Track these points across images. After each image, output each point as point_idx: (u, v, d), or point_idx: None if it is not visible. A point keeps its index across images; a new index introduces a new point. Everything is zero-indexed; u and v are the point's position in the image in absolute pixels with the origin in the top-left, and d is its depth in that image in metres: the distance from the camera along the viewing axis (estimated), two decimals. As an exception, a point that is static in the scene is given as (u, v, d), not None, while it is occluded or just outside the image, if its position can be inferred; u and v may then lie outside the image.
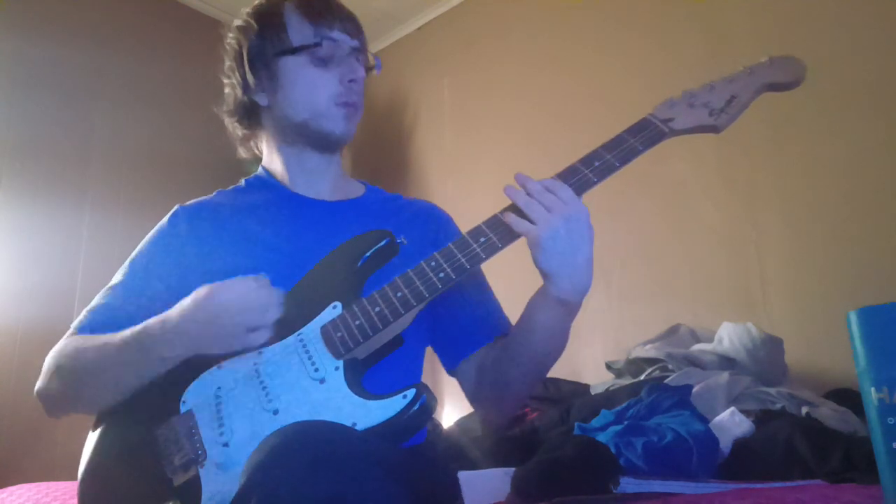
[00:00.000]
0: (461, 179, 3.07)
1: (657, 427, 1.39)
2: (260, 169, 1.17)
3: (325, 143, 1.08)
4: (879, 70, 1.97)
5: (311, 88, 1.04)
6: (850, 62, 2.01)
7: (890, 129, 1.93)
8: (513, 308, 1.01)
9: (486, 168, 2.96)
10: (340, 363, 0.85)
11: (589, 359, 2.35)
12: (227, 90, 1.13)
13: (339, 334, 0.87)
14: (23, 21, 2.74)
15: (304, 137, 1.08)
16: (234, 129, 1.15)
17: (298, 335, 0.89)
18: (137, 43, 3.06)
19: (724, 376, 1.66)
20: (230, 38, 1.12)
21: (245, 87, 1.08)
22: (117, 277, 1.05)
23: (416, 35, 3.47)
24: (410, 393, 0.80)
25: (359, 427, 0.79)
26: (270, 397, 0.85)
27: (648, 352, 1.92)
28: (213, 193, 1.14)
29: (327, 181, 1.13)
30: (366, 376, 0.88)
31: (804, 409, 1.53)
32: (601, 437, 1.40)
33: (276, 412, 0.83)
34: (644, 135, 0.89)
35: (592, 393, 1.88)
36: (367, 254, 0.93)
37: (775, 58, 0.94)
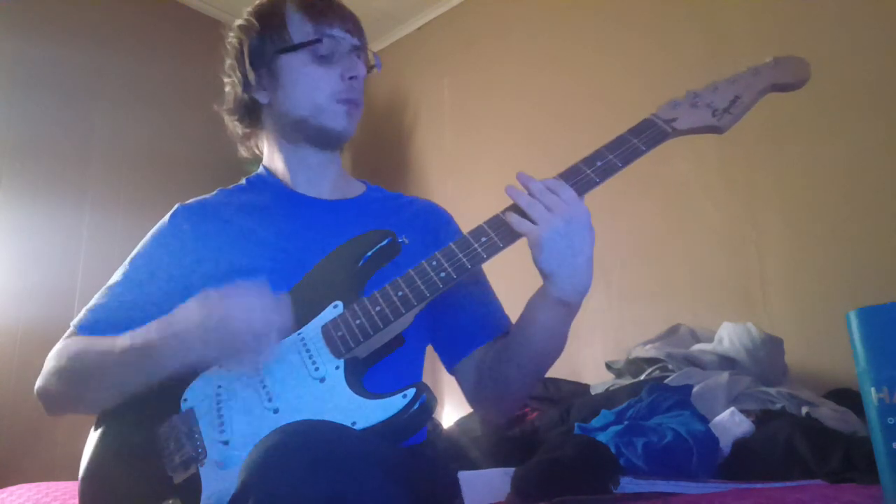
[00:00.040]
0: (461, 179, 3.07)
1: (657, 427, 1.39)
2: (261, 168, 1.17)
3: (325, 140, 1.08)
4: (879, 70, 1.97)
5: (311, 85, 1.05)
6: (850, 62, 2.01)
7: (890, 129, 1.93)
8: (513, 308, 1.01)
9: (486, 168, 2.96)
10: (341, 362, 0.85)
11: (589, 359, 2.35)
12: (227, 89, 1.13)
13: (339, 333, 0.87)
14: (23, 21, 2.74)
15: (305, 134, 1.08)
16: (235, 127, 1.15)
17: (299, 334, 0.89)
18: (137, 43, 3.06)
19: (724, 376, 1.66)
20: (231, 38, 1.12)
21: (246, 85, 1.08)
22: (117, 276, 1.05)
23: (416, 35, 3.47)
24: (410, 392, 0.80)
25: (358, 426, 0.79)
26: (271, 396, 0.85)
27: (648, 352, 1.92)
28: (214, 192, 1.14)
29: (328, 179, 1.13)
30: (366, 376, 0.88)
31: (804, 409, 1.53)
32: (601, 437, 1.40)
33: (276, 411, 0.83)
34: (647, 135, 0.89)
35: (592, 393, 1.88)
36: (369, 253, 0.93)
37: (780, 58, 0.94)
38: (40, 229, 2.63)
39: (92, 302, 1.03)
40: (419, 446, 1.00)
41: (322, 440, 0.67)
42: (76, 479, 0.94)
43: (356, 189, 1.17)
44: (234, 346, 0.83)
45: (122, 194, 2.86)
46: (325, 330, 0.88)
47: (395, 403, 0.79)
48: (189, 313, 0.86)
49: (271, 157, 1.15)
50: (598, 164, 0.88)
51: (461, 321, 1.06)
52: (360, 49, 1.10)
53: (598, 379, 2.07)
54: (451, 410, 2.52)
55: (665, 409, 1.46)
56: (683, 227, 2.31)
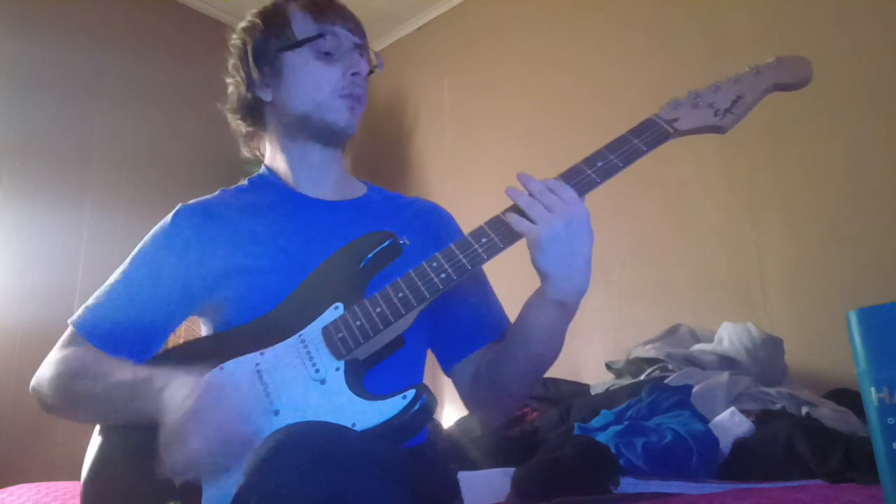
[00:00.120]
0: (461, 179, 3.07)
1: (657, 427, 1.39)
2: (263, 168, 1.17)
3: (328, 136, 1.08)
4: (879, 70, 1.97)
5: (314, 81, 1.05)
6: (850, 62, 2.01)
7: (890, 129, 1.93)
8: (513, 309, 1.01)
9: (486, 168, 2.96)
10: (341, 364, 0.85)
11: (589, 359, 2.35)
12: (230, 89, 1.13)
13: (340, 335, 0.87)
14: (23, 21, 2.74)
15: (308, 131, 1.08)
16: (239, 126, 1.15)
17: (300, 336, 0.89)
18: (137, 43, 3.06)
19: (724, 376, 1.66)
20: (234, 39, 1.13)
21: (249, 83, 1.09)
22: (117, 275, 1.04)
23: (416, 35, 3.47)
24: (410, 393, 0.80)
25: (359, 427, 0.79)
26: (271, 398, 0.85)
27: (648, 352, 1.92)
28: (216, 192, 1.14)
29: (330, 179, 1.13)
30: (367, 377, 0.88)
31: (804, 409, 1.53)
32: (601, 438, 1.40)
33: (276, 412, 0.83)
34: (648, 135, 0.89)
35: (592, 393, 1.88)
36: (370, 255, 0.93)
37: (782, 58, 0.93)
38: (40, 229, 2.63)
39: (91, 300, 1.03)
40: (420, 447, 1.00)
41: (323, 441, 0.67)
42: (76, 479, 0.94)
43: (358, 190, 1.17)
44: (192, 456, 0.79)
45: (122, 194, 2.86)
46: (326, 331, 0.88)
47: (395, 405, 0.79)
48: (179, 392, 0.82)
49: (273, 157, 1.15)
50: (599, 164, 0.88)
51: (460, 323, 1.06)
52: (362, 48, 1.10)
53: (598, 379, 2.07)
54: (451, 411, 2.53)
55: (665, 410, 1.46)
56: (683, 227, 2.31)
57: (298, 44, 1.06)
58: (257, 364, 0.89)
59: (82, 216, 2.75)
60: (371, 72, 1.12)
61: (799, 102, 1.99)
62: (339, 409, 0.81)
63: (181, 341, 1.05)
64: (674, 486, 1.18)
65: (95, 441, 0.95)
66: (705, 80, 0.95)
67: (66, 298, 2.57)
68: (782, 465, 1.29)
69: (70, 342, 1.01)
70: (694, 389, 1.57)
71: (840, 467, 1.24)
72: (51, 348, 1.02)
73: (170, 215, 1.09)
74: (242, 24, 1.13)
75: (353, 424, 0.79)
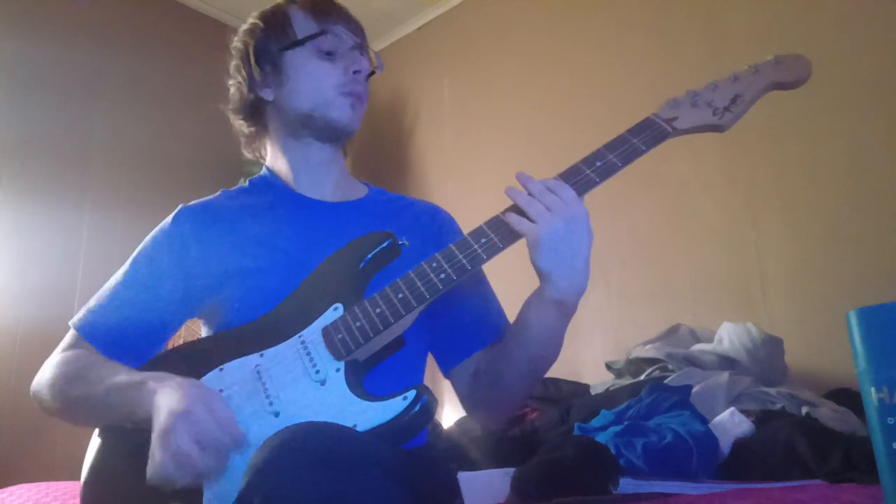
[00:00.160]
0: (461, 179, 3.07)
1: (657, 427, 1.39)
2: (264, 170, 1.17)
3: (330, 133, 1.08)
4: (879, 70, 1.97)
5: (316, 79, 1.06)
6: (850, 62, 2.01)
7: (890, 129, 1.93)
8: (513, 309, 1.01)
9: (486, 168, 2.96)
10: (341, 365, 0.85)
11: (589, 359, 2.35)
12: (232, 90, 1.14)
13: (339, 336, 0.87)
14: (23, 21, 2.74)
15: (310, 129, 1.08)
16: (240, 127, 1.16)
17: (300, 337, 0.89)
18: (137, 43, 3.07)
19: (724, 376, 1.66)
20: (236, 41, 1.13)
21: (251, 83, 1.09)
22: (118, 276, 1.04)
23: (416, 35, 3.47)
24: (411, 394, 0.80)
25: (359, 428, 0.78)
26: (271, 399, 0.84)
27: (648, 352, 1.92)
28: (217, 193, 1.14)
29: (331, 180, 1.13)
30: (367, 378, 0.88)
31: (804, 409, 1.53)
32: (601, 438, 1.40)
33: (277, 414, 0.83)
34: (647, 134, 0.89)
35: (592, 393, 1.88)
36: (369, 255, 0.93)
37: (781, 56, 0.93)
38: (40, 229, 2.63)
39: (91, 302, 1.03)
40: (420, 448, 1.00)
41: (326, 441, 0.67)
42: (76, 479, 0.94)
43: (359, 191, 1.17)
44: (190, 460, 0.78)
45: (122, 194, 2.86)
46: (326, 332, 0.88)
47: (395, 406, 0.79)
48: (169, 396, 0.82)
49: (275, 158, 1.15)
50: (598, 164, 0.88)
51: (459, 325, 1.06)
52: (363, 48, 1.11)
53: (597, 379, 2.06)
54: (451, 411, 2.52)
55: (665, 410, 1.46)
56: (683, 227, 2.31)
57: (300, 42, 1.06)
58: (257, 365, 0.89)
59: (82, 216, 2.75)
60: (372, 73, 1.13)
61: (799, 102, 2.00)
62: (339, 410, 0.81)
63: (181, 342, 1.05)
64: (674, 487, 1.18)
65: (95, 441, 0.95)
66: (705, 80, 0.95)
67: (66, 298, 2.57)
68: (782, 465, 1.29)
69: (71, 344, 1.01)
70: (694, 389, 1.57)
71: (840, 467, 1.24)
72: (51, 348, 1.02)
73: (170, 216, 1.09)
74: (244, 27, 1.13)
75: (354, 425, 0.79)
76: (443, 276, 0.86)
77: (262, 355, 0.89)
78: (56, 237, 2.66)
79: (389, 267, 0.95)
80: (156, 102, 3.06)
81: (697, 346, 1.91)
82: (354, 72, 1.07)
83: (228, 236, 1.05)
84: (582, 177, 0.87)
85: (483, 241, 0.87)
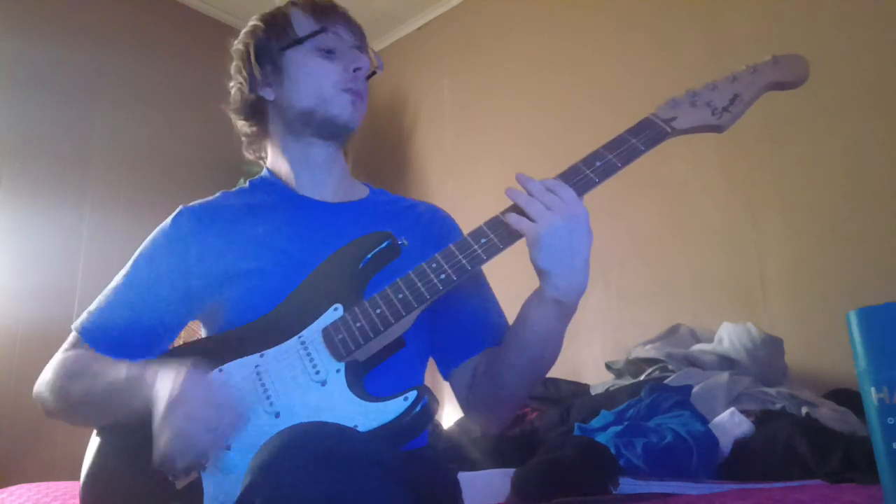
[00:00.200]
0: (461, 179, 3.07)
1: (657, 427, 1.39)
2: (265, 170, 1.17)
3: (331, 131, 1.09)
4: (879, 70, 1.97)
5: (316, 76, 1.06)
6: (850, 62, 2.01)
7: (890, 129, 1.93)
8: (513, 310, 1.01)
9: (486, 168, 2.96)
10: (342, 365, 0.85)
11: (589, 359, 2.35)
12: (233, 91, 1.14)
13: (340, 336, 0.87)
14: (23, 21, 2.74)
15: (311, 127, 1.08)
16: (242, 128, 1.16)
17: (300, 337, 0.89)
18: (137, 43, 3.06)
19: (724, 376, 1.66)
20: (237, 43, 1.14)
21: (252, 83, 1.10)
22: (119, 278, 1.05)
23: (416, 35, 3.47)
24: (412, 395, 0.79)
25: (360, 429, 0.78)
26: (272, 400, 0.84)
27: (648, 352, 1.92)
28: (217, 195, 1.14)
29: (332, 180, 1.13)
30: (367, 378, 0.88)
31: (804, 410, 1.53)
32: (601, 438, 1.40)
33: (277, 415, 0.83)
34: (646, 135, 0.89)
35: (592, 393, 1.88)
36: (369, 255, 0.93)
37: (779, 56, 0.93)
38: (40, 229, 2.63)
39: (94, 304, 1.03)
40: (421, 449, 1.00)
41: (327, 442, 0.67)
42: (76, 479, 0.94)
43: (360, 192, 1.17)
44: (186, 438, 0.80)
45: (122, 194, 2.86)
46: (326, 333, 0.88)
47: (396, 406, 0.79)
48: (164, 384, 0.84)
49: (276, 159, 1.15)
50: (598, 164, 0.88)
51: (459, 326, 1.05)
52: (362, 48, 1.12)
53: (597, 379, 2.07)
54: (451, 411, 2.52)
55: (665, 410, 1.46)
56: (683, 227, 2.31)
57: (300, 40, 1.07)
58: (257, 366, 0.89)
59: (82, 216, 2.75)
60: (373, 73, 1.13)
61: (798, 102, 2.00)
62: (340, 410, 0.81)
63: (181, 343, 1.05)
64: (674, 487, 1.18)
65: (95, 441, 0.95)
66: (705, 80, 0.95)
67: (66, 298, 2.57)
68: (782, 465, 1.29)
69: (73, 347, 1.01)
70: (694, 389, 1.57)
71: (840, 467, 1.24)
72: (51, 348, 1.02)
73: (170, 217, 1.09)
74: (245, 29, 1.14)
75: (355, 426, 0.79)
76: (443, 276, 0.86)
77: (262, 356, 0.89)
78: (56, 237, 2.66)
79: (389, 267, 0.95)
80: (156, 102, 3.06)
81: (697, 346, 1.91)
82: (354, 69, 1.07)
83: (228, 237, 1.05)
84: (581, 177, 0.87)
85: (483, 241, 0.87)
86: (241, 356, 0.90)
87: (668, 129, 0.89)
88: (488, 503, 1.27)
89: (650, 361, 1.89)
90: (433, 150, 3.27)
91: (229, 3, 3.20)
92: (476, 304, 1.07)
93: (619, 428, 1.42)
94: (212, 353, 0.93)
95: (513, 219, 0.86)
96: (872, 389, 0.61)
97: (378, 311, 0.87)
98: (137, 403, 0.85)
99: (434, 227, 1.13)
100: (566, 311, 0.89)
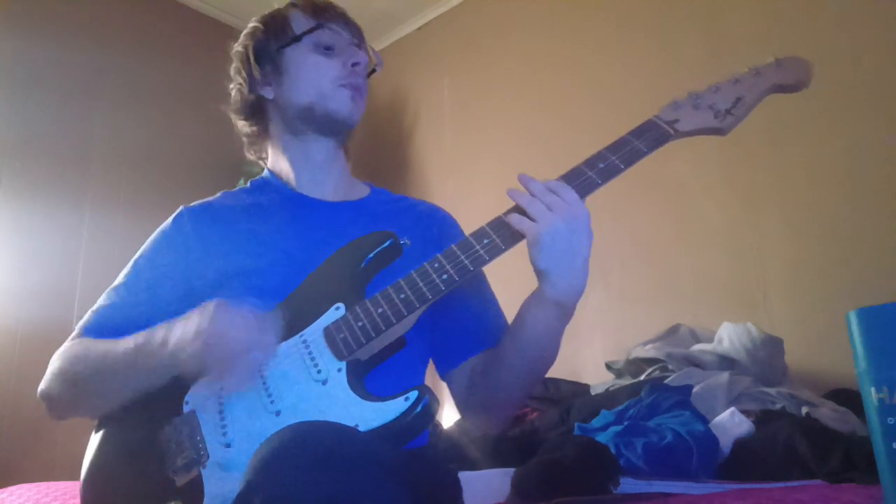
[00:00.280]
0: (461, 179, 3.07)
1: (657, 427, 1.39)
2: (265, 171, 1.17)
3: (330, 126, 1.09)
4: (879, 70, 1.97)
5: (315, 72, 1.07)
6: (850, 62, 2.01)
7: (890, 129, 1.93)
8: (513, 311, 1.00)
9: (486, 168, 2.96)
10: (343, 364, 0.85)
11: (589, 359, 2.35)
12: (233, 91, 1.14)
13: (341, 335, 0.87)
14: (23, 21, 2.74)
15: (310, 124, 1.09)
16: (242, 128, 1.16)
17: (301, 336, 0.89)
18: (137, 43, 3.06)
19: (725, 376, 1.66)
20: (237, 45, 1.15)
21: (251, 83, 1.10)
22: (121, 278, 1.05)
23: (416, 35, 3.47)
24: (413, 395, 0.80)
25: (361, 429, 0.78)
26: (273, 398, 0.85)
27: (648, 352, 1.92)
28: (218, 195, 1.15)
29: (332, 179, 1.13)
30: (368, 378, 0.88)
31: (804, 410, 1.53)
32: (601, 438, 1.40)
33: (278, 413, 0.83)
34: (649, 136, 0.89)
35: (592, 393, 1.88)
36: (371, 255, 0.93)
37: (782, 59, 0.93)
38: (40, 229, 2.63)
39: (96, 304, 1.04)
40: (421, 449, 1.00)
41: (327, 441, 0.67)
42: (76, 479, 0.94)
43: (360, 191, 1.18)
44: (224, 361, 0.83)
45: (122, 194, 2.86)
46: (327, 332, 0.88)
47: (397, 406, 0.79)
48: (187, 325, 0.86)
49: (276, 158, 1.15)
50: (600, 165, 0.88)
51: (459, 326, 1.05)
52: (361, 46, 1.12)
53: (598, 379, 2.07)
54: (452, 411, 2.52)
55: (665, 410, 1.46)
56: (684, 228, 2.31)
57: (298, 38, 1.08)
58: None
59: (82, 216, 2.75)
60: (373, 71, 1.13)
61: (798, 103, 1.99)
62: (340, 409, 0.81)
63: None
64: (674, 487, 1.18)
65: (95, 440, 0.95)
66: (705, 81, 0.95)
67: (66, 298, 2.57)
68: (782, 465, 1.29)
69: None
70: (694, 389, 1.57)
71: (840, 467, 1.24)
72: (51, 348, 1.02)
73: (171, 218, 1.09)
74: (244, 31, 1.15)
75: (356, 426, 0.79)
76: (445, 276, 0.86)
77: (263, 354, 0.89)
78: (56, 237, 2.66)
79: (389, 267, 0.95)
80: (156, 102, 3.06)
81: (697, 346, 1.91)
82: (353, 64, 1.08)
83: (229, 236, 1.05)
84: (584, 178, 0.87)
85: (485, 241, 0.87)
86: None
87: (672, 132, 0.89)
88: (488, 503, 1.27)
89: (650, 361, 1.89)
90: (433, 150, 3.27)
91: (229, 3, 3.20)
92: (476, 304, 1.07)
93: (619, 428, 1.42)
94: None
95: (514, 219, 0.86)
96: (872, 389, 0.61)
97: (380, 310, 0.87)
98: (153, 362, 0.86)
99: (434, 226, 1.13)
100: (565, 312, 0.89)
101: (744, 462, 1.35)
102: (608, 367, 2.04)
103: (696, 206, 2.29)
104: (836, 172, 2.01)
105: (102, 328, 1.00)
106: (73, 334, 1.02)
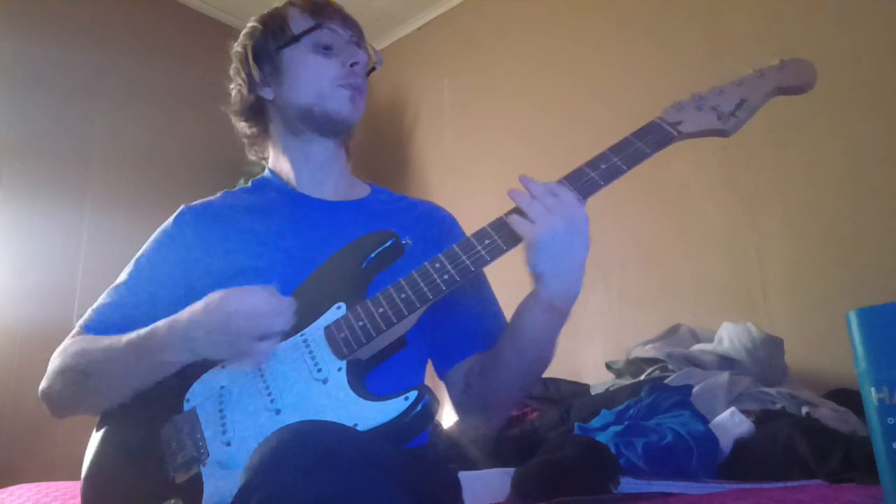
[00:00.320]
0: (461, 179, 3.07)
1: (657, 427, 1.39)
2: (266, 171, 1.17)
3: (330, 127, 1.09)
4: (879, 70, 1.97)
5: (314, 73, 1.07)
6: (850, 62, 2.01)
7: (890, 129, 1.93)
8: (513, 312, 1.00)
9: (486, 168, 2.96)
10: (343, 364, 0.85)
11: (589, 359, 2.35)
12: (233, 92, 1.14)
13: (342, 335, 0.87)
14: (23, 21, 2.74)
15: (310, 124, 1.09)
16: (242, 129, 1.16)
17: (302, 335, 0.89)
18: (137, 43, 3.06)
19: (725, 376, 1.66)
20: (236, 45, 1.15)
21: (251, 84, 1.10)
22: (122, 277, 1.05)
23: (416, 35, 3.47)
24: (412, 395, 0.80)
25: (360, 428, 0.79)
26: (273, 397, 0.85)
27: (648, 352, 1.93)
28: (219, 194, 1.15)
29: (332, 179, 1.13)
30: (369, 377, 0.88)
31: (804, 409, 1.53)
32: (601, 438, 1.40)
33: (278, 412, 0.83)
34: (652, 138, 0.89)
35: (592, 393, 1.88)
36: (372, 255, 0.93)
37: (786, 61, 0.93)
38: (40, 229, 2.63)
39: (97, 302, 1.04)
40: (421, 448, 1.00)
41: (325, 441, 0.67)
42: (76, 479, 0.94)
43: (361, 191, 1.18)
44: (236, 346, 0.84)
45: (122, 194, 2.86)
46: (328, 331, 0.88)
47: (396, 405, 0.79)
48: (195, 311, 0.87)
49: (277, 159, 1.16)
50: (603, 166, 0.88)
51: (458, 327, 1.05)
52: (360, 44, 1.12)
53: (598, 379, 2.06)
54: (452, 410, 2.52)
55: (665, 410, 1.46)
56: (684, 229, 2.31)
57: (296, 38, 1.08)
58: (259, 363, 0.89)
59: (82, 216, 2.75)
60: (373, 69, 1.13)
61: (799, 103, 1.98)
62: (340, 409, 0.81)
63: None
64: (674, 486, 1.18)
65: (96, 438, 0.95)
66: (705, 80, 0.95)
67: (66, 298, 2.57)
68: (782, 465, 1.29)
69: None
70: (694, 389, 1.57)
71: (840, 467, 1.24)
72: (51, 348, 1.02)
73: (172, 217, 1.09)
74: (243, 31, 1.15)
75: (355, 425, 0.79)
76: (446, 276, 0.86)
77: (264, 353, 0.89)
78: (56, 237, 2.66)
79: (390, 267, 0.95)
80: (156, 102, 3.05)
81: (697, 346, 1.91)
82: (352, 64, 1.08)
83: (230, 235, 1.06)
84: (586, 179, 0.87)
85: (487, 242, 0.87)
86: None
87: (675, 133, 0.89)
88: (488, 503, 1.27)
89: (650, 361, 1.89)
90: (433, 150, 3.27)
91: (229, 3, 3.20)
92: (475, 305, 1.07)
93: (619, 428, 1.42)
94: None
95: (514, 221, 0.86)
96: (872, 389, 0.61)
97: (381, 310, 0.87)
98: (165, 354, 0.87)
99: (435, 226, 1.13)
100: (559, 316, 0.89)
101: (744, 462, 1.35)
102: (608, 367, 2.04)
103: (697, 207, 2.29)
104: (836, 172, 2.01)
105: (103, 326, 1.00)
106: (73, 332, 1.02)
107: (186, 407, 0.89)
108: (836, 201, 2.00)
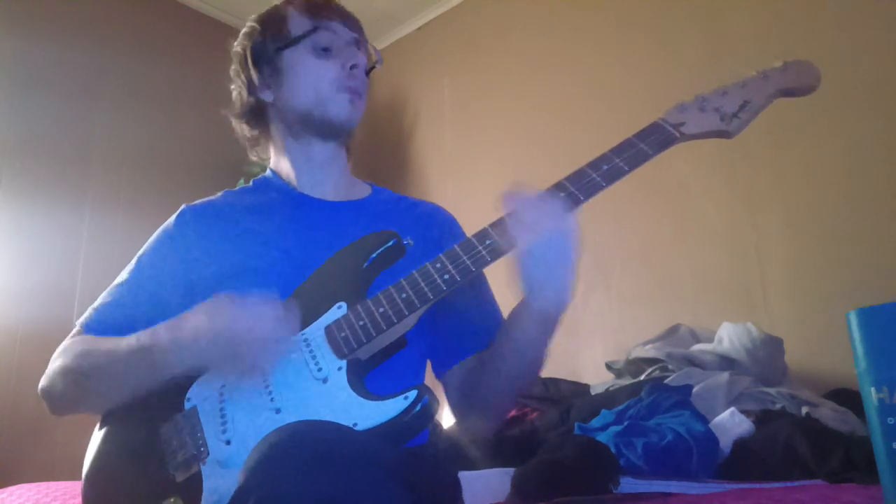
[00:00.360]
0: (461, 179, 3.07)
1: (657, 427, 1.39)
2: (268, 171, 1.17)
3: (330, 130, 1.09)
4: (879, 70, 1.97)
5: (313, 76, 1.06)
6: (850, 62, 2.01)
7: (890, 129, 1.93)
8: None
9: (486, 168, 2.96)
10: (343, 363, 0.85)
11: (589, 359, 2.34)
12: (233, 94, 1.14)
13: (342, 334, 0.87)
14: (23, 21, 2.74)
15: (310, 127, 1.09)
16: (243, 131, 1.16)
17: (303, 334, 0.89)
18: (137, 43, 3.06)
19: (724, 376, 1.66)
20: (235, 45, 1.14)
21: (250, 86, 1.10)
22: (123, 276, 1.05)
23: (416, 35, 3.47)
24: (412, 394, 0.80)
25: (360, 427, 0.79)
26: (273, 396, 0.85)
27: (648, 352, 1.92)
28: (220, 194, 1.15)
29: (333, 179, 1.13)
30: (369, 377, 0.88)
31: (804, 410, 1.53)
32: (601, 438, 1.40)
33: (278, 411, 0.83)
34: (654, 139, 0.89)
35: (592, 393, 1.88)
36: (374, 255, 0.93)
37: (790, 62, 0.92)
38: (40, 229, 2.63)
39: (98, 301, 1.04)
40: (421, 448, 1.00)
41: (324, 440, 0.67)
42: (76, 479, 0.94)
43: (362, 191, 1.18)
44: (238, 354, 0.83)
45: (122, 194, 2.86)
46: (329, 330, 0.88)
47: (396, 405, 0.79)
48: (198, 317, 0.86)
49: (277, 159, 1.16)
50: (605, 167, 0.87)
51: (456, 327, 1.05)
52: (360, 43, 1.11)
53: (598, 379, 2.06)
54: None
55: (665, 410, 1.46)
56: (684, 229, 2.31)
57: (295, 40, 1.07)
58: (259, 362, 0.89)
59: (82, 216, 2.75)
60: (373, 68, 1.13)
61: (799, 103, 1.98)
62: (340, 408, 0.81)
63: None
64: (674, 486, 1.18)
65: (97, 437, 0.95)
66: (705, 80, 0.95)
67: (66, 298, 2.57)
68: (782, 465, 1.29)
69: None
70: (694, 389, 1.57)
71: (840, 467, 1.24)
72: (51, 348, 1.02)
73: (173, 216, 1.09)
74: (242, 31, 1.14)
75: (355, 424, 0.79)
76: (447, 276, 0.86)
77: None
78: (56, 237, 2.66)
79: (391, 267, 0.95)
80: (156, 102, 3.05)
81: (697, 346, 1.91)
82: (351, 67, 1.07)
83: (230, 235, 1.06)
84: (588, 180, 0.87)
85: (487, 242, 0.87)
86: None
87: (677, 134, 0.89)
88: (488, 503, 1.27)
89: (650, 361, 1.89)
90: (433, 150, 3.27)
91: (229, 3, 3.20)
92: (474, 306, 1.07)
93: (619, 428, 1.42)
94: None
95: (509, 226, 0.86)
96: (872, 389, 0.61)
97: (381, 309, 0.87)
98: (163, 359, 0.86)
99: (435, 226, 1.13)
100: (548, 324, 0.89)
101: (744, 462, 1.35)
102: (608, 367, 2.04)
103: (697, 207, 2.29)
104: (836, 172, 2.01)
105: (103, 325, 1.00)
106: (74, 331, 1.02)
107: (187, 406, 0.89)
108: (835, 201, 2.00)
